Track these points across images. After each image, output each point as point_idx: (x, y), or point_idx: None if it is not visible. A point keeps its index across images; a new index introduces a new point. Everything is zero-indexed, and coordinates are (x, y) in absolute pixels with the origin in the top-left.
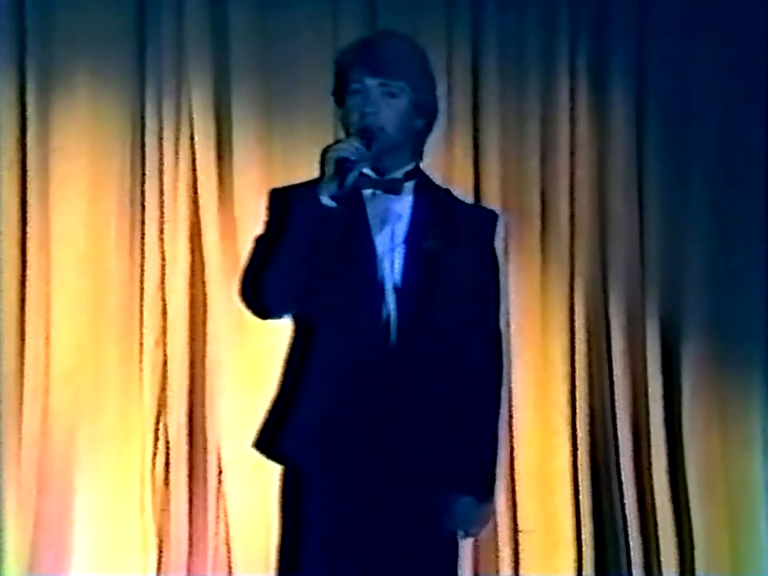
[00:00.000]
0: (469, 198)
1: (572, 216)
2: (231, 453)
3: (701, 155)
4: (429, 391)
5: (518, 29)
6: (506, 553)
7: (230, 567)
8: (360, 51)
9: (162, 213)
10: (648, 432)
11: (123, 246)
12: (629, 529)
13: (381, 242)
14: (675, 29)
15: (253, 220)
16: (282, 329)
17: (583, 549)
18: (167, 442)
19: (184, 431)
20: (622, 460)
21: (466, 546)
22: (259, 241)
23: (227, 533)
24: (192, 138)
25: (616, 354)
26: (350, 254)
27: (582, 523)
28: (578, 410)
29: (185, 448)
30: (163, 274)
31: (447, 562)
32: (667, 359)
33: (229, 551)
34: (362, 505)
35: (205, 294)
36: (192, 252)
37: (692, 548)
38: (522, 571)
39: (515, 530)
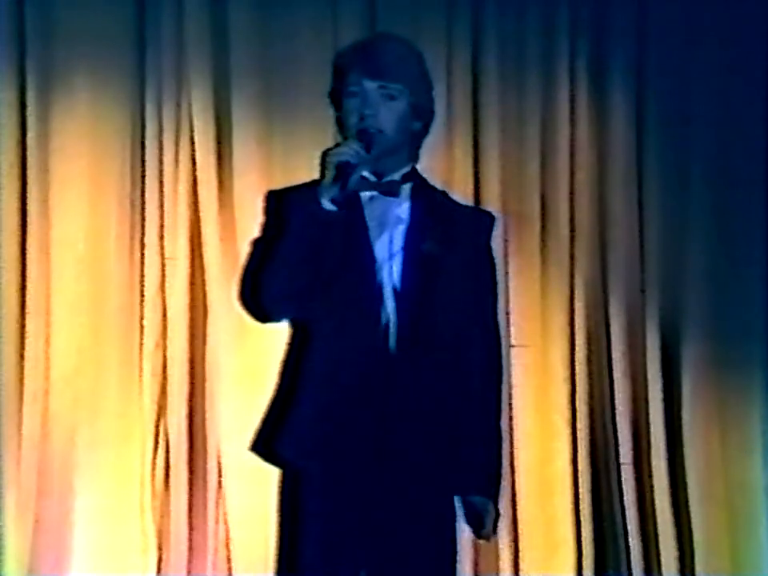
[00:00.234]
0: (469, 199)
1: (572, 217)
2: (231, 455)
3: (701, 155)
4: (429, 394)
5: (517, 29)
6: (506, 553)
7: (229, 569)
8: (358, 54)
9: (162, 214)
10: (648, 433)
11: (123, 248)
12: (629, 529)
13: (379, 245)
14: (675, 29)
15: (253, 221)
16: (282, 331)
17: (583, 549)
18: (167, 444)
19: (184, 433)
20: (621, 461)
21: (465, 546)
22: (257, 244)
23: (227, 534)
24: (192, 139)
25: (616, 355)
26: (349, 257)
27: (582, 524)
28: (578, 412)
29: (185, 450)
30: (163, 276)
31: (447, 563)
32: (667, 361)
33: (228, 553)
34: (360, 507)
35: (205, 296)
36: (192, 253)
37: (692, 549)
38: (521, 571)
39: (515, 531)
